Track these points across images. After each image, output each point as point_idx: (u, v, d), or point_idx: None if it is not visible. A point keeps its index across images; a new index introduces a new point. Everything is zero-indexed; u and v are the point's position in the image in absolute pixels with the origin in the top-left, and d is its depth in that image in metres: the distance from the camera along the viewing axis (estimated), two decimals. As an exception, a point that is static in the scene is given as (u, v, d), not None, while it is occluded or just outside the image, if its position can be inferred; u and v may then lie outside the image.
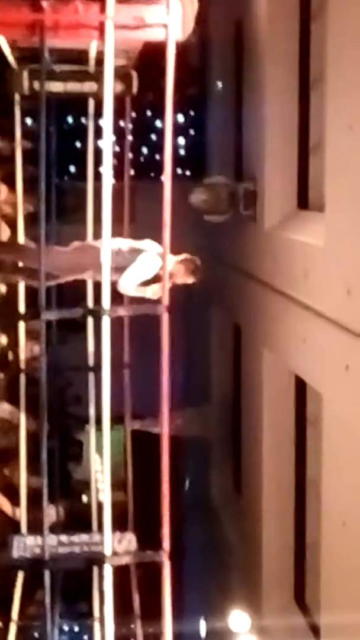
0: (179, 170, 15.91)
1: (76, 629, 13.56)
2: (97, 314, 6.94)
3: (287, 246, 10.90)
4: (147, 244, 7.56)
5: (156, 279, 7.37)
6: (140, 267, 7.42)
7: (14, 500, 10.01)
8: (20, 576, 9.27)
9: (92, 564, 8.64)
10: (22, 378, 9.54)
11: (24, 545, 8.89)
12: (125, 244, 7.61)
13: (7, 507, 10.06)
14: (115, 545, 7.69)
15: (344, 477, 9.08)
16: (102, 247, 6.79)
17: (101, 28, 6.56)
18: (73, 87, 9.37)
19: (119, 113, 7.77)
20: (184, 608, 12.75)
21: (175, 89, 6.71)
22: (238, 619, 11.72)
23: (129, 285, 7.44)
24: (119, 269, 7.26)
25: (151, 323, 7.18)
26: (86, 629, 11.85)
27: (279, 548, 12.23)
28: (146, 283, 7.49)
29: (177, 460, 7.38)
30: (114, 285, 7.08)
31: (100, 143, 8.75)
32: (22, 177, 9.72)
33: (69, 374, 12.26)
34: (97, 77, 8.92)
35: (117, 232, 7.40)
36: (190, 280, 7.73)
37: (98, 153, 8.27)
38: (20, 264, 8.39)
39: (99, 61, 8.11)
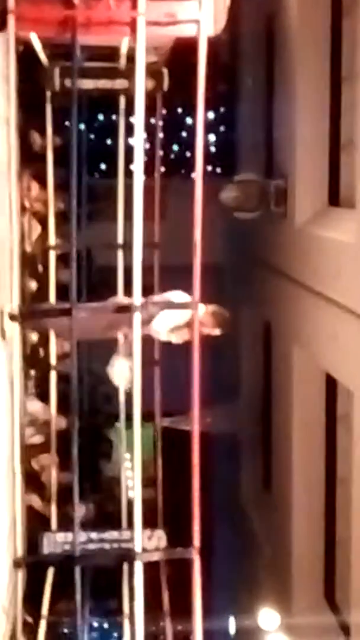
0: (210, 168, 15.88)
1: (106, 625, 13.57)
2: (128, 310, 6.94)
3: (318, 243, 10.86)
4: (177, 295, 7.62)
5: (185, 325, 7.45)
6: (172, 316, 7.51)
7: (44, 497, 10.05)
8: (51, 572, 9.31)
9: (122, 561, 8.66)
10: (53, 375, 9.56)
11: (54, 541, 8.93)
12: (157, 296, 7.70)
13: (37, 503, 10.09)
14: (145, 542, 7.70)
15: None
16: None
17: (133, 25, 6.56)
18: (104, 84, 9.38)
19: (149, 110, 7.77)
20: (214, 605, 12.74)
21: (206, 86, 6.69)
22: (267, 617, 11.68)
23: (162, 329, 7.57)
24: (150, 320, 7.40)
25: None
26: (116, 626, 11.86)
27: (309, 546, 12.19)
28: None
29: (206, 457, 7.36)
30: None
31: (131, 140, 8.75)
32: (53, 175, 9.74)
33: (99, 371, 12.28)
34: (128, 74, 8.93)
35: (147, 229, 7.40)
36: (217, 332, 7.82)
37: (129, 150, 8.26)
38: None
39: (130, 58, 8.12)
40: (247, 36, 15.35)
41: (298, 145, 11.69)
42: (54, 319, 7.83)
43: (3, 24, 6.62)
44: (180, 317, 7.49)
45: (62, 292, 8.99)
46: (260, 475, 15.43)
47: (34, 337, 10.39)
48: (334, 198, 11.42)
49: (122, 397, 9.80)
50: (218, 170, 16.56)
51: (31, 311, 7.70)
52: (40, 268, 10.60)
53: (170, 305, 7.50)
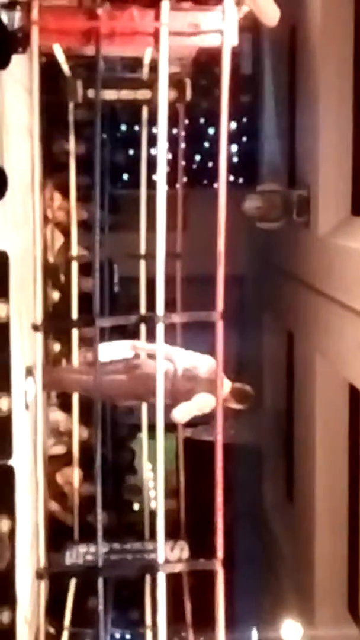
0: (232, 178, 15.87)
1: (128, 636, 13.54)
2: (151, 321, 6.94)
3: (341, 253, 10.83)
4: (203, 359, 7.70)
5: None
6: (195, 406, 7.59)
7: (67, 508, 10.05)
8: (73, 583, 9.30)
9: (145, 572, 8.64)
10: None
11: (77, 552, 8.93)
12: (183, 363, 7.73)
13: (59, 513, 10.10)
14: (167, 553, 7.68)
15: None
16: (158, 368, 6.83)
17: (156, 35, 6.55)
18: (127, 94, 9.40)
19: (172, 120, 7.77)
20: (236, 617, 12.70)
21: (230, 96, 6.68)
22: (290, 629, 11.63)
23: (181, 418, 7.73)
24: (173, 392, 7.47)
25: (204, 330, 7.17)
26: (138, 637, 11.83)
27: (332, 557, 12.14)
28: None
29: (229, 468, 7.34)
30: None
31: (153, 151, 8.76)
32: (76, 185, 9.76)
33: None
34: (151, 84, 8.95)
35: (170, 240, 7.40)
36: (241, 407, 7.89)
37: (151, 161, 8.27)
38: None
39: (153, 68, 8.12)
40: (270, 46, 15.36)
41: (321, 155, 11.68)
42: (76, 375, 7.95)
43: (27, 38, 6.64)
44: (203, 409, 7.59)
45: (85, 302, 9.00)
46: (283, 485, 15.39)
47: (56, 347, 10.40)
48: (357, 208, 11.40)
49: (144, 408, 9.80)
50: (241, 180, 16.55)
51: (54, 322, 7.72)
52: (62, 278, 10.62)
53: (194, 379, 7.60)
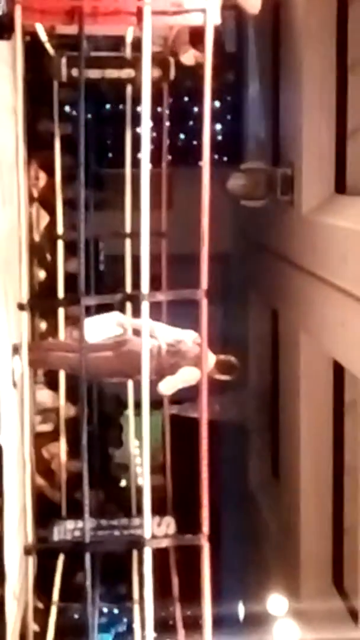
0: (216, 156, 15.88)
1: (116, 611, 13.66)
2: (136, 299, 6.98)
3: (325, 231, 10.88)
4: (187, 335, 7.81)
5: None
6: (180, 379, 7.72)
7: (54, 485, 10.12)
8: (61, 559, 9.38)
9: (132, 547, 8.72)
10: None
11: (65, 528, 9.00)
12: (166, 337, 7.82)
13: (47, 490, 10.16)
14: (154, 528, 7.75)
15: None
16: (143, 347, 6.89)
17: (139, 14, 6.57)
18: (111, 73, 9.41)
19: (156, 99, 7.79)
20: (223, 591, 12.82)
21: (213, 74, 6.71)
22: (276, 603, 11.74)
23: (167, 391, 7.86)
24: (158, 368, 7.60)
25: (189, 308, 7.22)
26: (126, 611, 11.94)
27: (317, 532, 12.25)
28: None
29: (215, 444, 7.42)
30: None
31: (137, 129, 8.78)
32: (61, 164, 9.77)
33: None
34: (135, 63, 8.96)
35: (155, 218, 7.43)
36: (227, 377, 8.00)
37: (136, 139, 8.29)
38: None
39: (136, 47, 8.14)
40: (253, 25, 15.33)
41: (304, 133, 11.70)
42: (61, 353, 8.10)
43: (11, 25, 6.65)
44: (188, 382, 7.69)
45: (71, 281, 9.03)
46: (269, 462, 15.49)
47: (42, 325, 10.44)
48: (341, 186, 11.44)
49: (130, 385, 9.85)
50: (225, 158, 16.57)
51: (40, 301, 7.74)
52: (48, 257, 10.65)
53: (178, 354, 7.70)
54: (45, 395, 10.68)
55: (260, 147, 14.98)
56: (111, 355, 7.88)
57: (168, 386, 7.77)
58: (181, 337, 7.83)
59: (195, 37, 7.12)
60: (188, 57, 9.17)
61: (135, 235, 8.32)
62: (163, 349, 7.76)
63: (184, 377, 7.68)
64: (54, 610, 9.28)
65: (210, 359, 7.60)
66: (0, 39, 6.87)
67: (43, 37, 8.54)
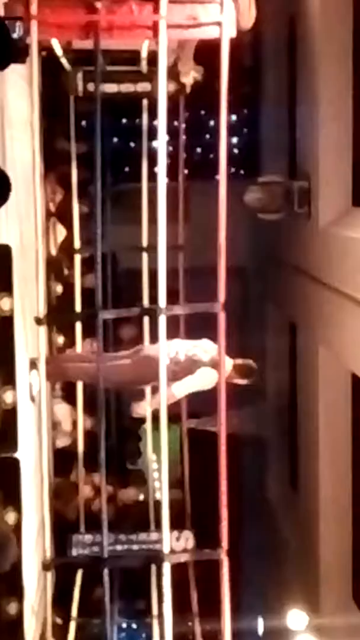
0: (233, 169, 15.87)
1: (134, 626, 13.61)
2: (153, 313, 6.98)
3: (342, 244, 10.85)
4: (204, 344, 7.80)
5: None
6: (196, 381, 7.65)
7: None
8: (79, 574, 9.36)
9: (151, 562, 8.69)
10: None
11: (83, 543, 8.98)
12: (183, 348, 7.82)
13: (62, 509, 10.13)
14: (173, 543, 7.73)
15: None
16: (160, 359, 6.87)
17: (155, 28, 6.58)
18: (127, 87, 9.43)
19: (172, 113, 7.80)
20: (242, 606, 12.76)
21: (229, 88, 6.71)
22: (295, 618, 11.68)
23: (180, 394, 7.73)
24: (175, 377, 7.55)
25: (207, 321, 7.21)
26: (144, 627, 11.89)
27: (337, 546, 12.18)
28: None
29: (233, 458, 7.39)
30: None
31: (154, 143, 8.79)
32: (77, 179, 9.79)
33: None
34: (151, 77, 8.98)
35: (172, 232, 7.43)
36: (245, 382, 7.93)
37: (152, 153, 8.29)
38: None
39: (152, 61, 8.15)
40: (269, 38, 15.36)
41: (321, 146, 11.69)
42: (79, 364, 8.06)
43: (27, 48, 6.68)
44: (204, 385, 7.64)
45: (88, 295, 9.04)
46: (287, 475, 15.43)
47: (60, 340, 10.45)
48: (358, 198, 11.41)
49: (148, 399, 9.84)
50: (241, 172, 16.56)
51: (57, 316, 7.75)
52: (65, 272, 10.67)
53: (196, 363, 7.67)
54: (62, 409, 10.68)
55: (277, 160, 14.98)
56: (128, 363, 7.88)
57: (181, 388, 7.67)
58: (199, 346, 7.81)
59: (210, 51, 7.12)
60: (189, 78, 9.21)
61: (152, 248, 8.33)
62: (180, 355, 7.73)
63: (201, 379, 7.62)
64: (72, 626, 9.26)
65: (228, 363, 7.56)
66: (16, 62, 6.89)
67: (59, 52, 8.57)
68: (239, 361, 7.87)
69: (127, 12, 6.59)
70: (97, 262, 6.90)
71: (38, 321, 7.05)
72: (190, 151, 15.81)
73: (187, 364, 7.69)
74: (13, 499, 6.78)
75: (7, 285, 6.75)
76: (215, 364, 7.29)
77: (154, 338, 7.89)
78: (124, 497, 11.52)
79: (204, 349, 7.79)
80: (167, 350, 7.11)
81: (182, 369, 7.66)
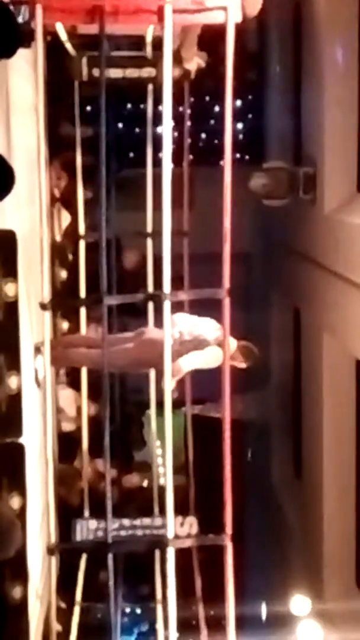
0: (238, 155, 15.85)
1: (138, 611, 13.66)
2: (158, 299, 6.97)
3: (347, 229, 10.84)
4: (207, 322, 7.78)
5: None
6: (202, 357, 7.64)
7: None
8: (84, 559, 9.38)
9: (155, 547, 8.71)
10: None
11: (87, 528, 8.99)
12: (187, 324, 7.78)
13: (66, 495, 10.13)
14: (177, 528, 7.73)
15: None
16: (165, 334, 6.85)
17: (160, 13, 6.56)
18: (131, 73, 9.39)
19: (177, 98, 7.77)
20: (245, 591, 12.79)
21: (234, 73, 6.69)
22: (299, 603, 11.72)
23: (186, 368, 7.68)
24: (179, 356, 7.50)
25: (211, 307, 7.21)
26: (148, 611, 11.93)
27: (340, 532, 12.21)
28: None
29: (237, 444, 7.40)
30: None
31: (159, 129, 8.76)
32: (82, 164, 9.77)
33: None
34: (155, 62, 8.95)
35: (177, 218, 7.42)
36: (245, 364, 7.93)
37: (157, 139, 8.27)
38: None
39: (157, 46, 8.12)
40: (274, 23, 15.31)
41: (327, 132, 11.67)
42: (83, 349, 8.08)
43: (33, 32, 6.64)
44: (210, 363, 7.61)
45: (92, 281, 9.03)
46: (291, 461, 15.45)
47: (64, 325, 10.44)
48: (363, 184, 11.41)
49: (152, 385, 9.85)
50: (247, 157, 16.53)
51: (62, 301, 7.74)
52: (70, 257, 10.66)
53: (201, 343, 7.65)
54: (67, 395, 10.68)
55: (282, 146, 14.95)
56: (131, 346, 7.88)
57: (188, 363, 7.65)
58: (203, 326, 7.81)
59: (215, 36, 7.09)
60: (192, 64, 9.16)
61: (157, 234, 8.32)
62: (184, 335, 7.72)
63: (206, 357, 7.61)
64: (77, 610, 9.29)
65: (232, 344, 7.56)
66: (22, 47, 6.87)
67: (64, 37, 8.54)
68: (243, 343, 7.89)
69: (133, -4, 6.58)
70: (101, 248, 6.90)
71: (43, 307, 7.05)
72: (195, 137, 15.79)
73: (192, 345, 7.69)
74: (18, 484, 6.79)
75: (12, 271, 6.73)
76: (220, 343, 7.31)
77: (158, 325, 7.90)
78: (128, 483, 11.54)
79: (207, 327, 7.78)
80: (170, 331, 7.11)
81: (187, 350, 7.66)
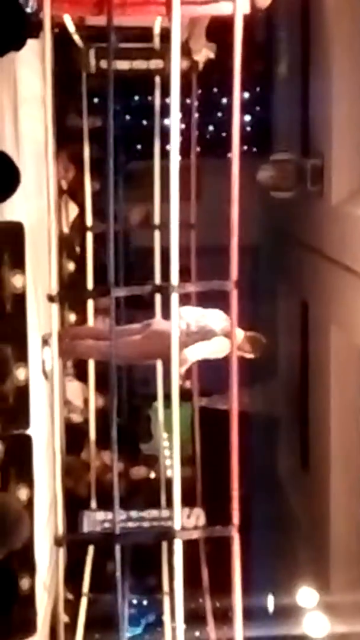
0: (246, 147, 15.82)
1: (145, 602, 13.68)
2: (165, 291, 6.97)
3: (355, 222, 10.83)
4: (214, 313, 7.83)
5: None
6: (209, 347, 7.71)
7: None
8: (91, 550, 9.40)
9: (162, 539, 8.73)
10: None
11: (94, 520, 9.02)
12: (193, 317, 7.78)
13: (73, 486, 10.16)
14: (184, 520, 7.75)
15: None
16: (172, 326, 6.84)
17: (168, 4, 6.54)
18: (139, 65, 9.39)
19: (185, 90, 7.76)
20: (252, 583, 12.81)
21: (242, 65, 6.67)
22: (306, 595, 11.73)
23: (193, 358, 7.76)
24: (187, 344, 7.58)
25: (219, 300, 7.21)
26: (155, 603, 11.96)
27: (347, 524, 12.21)
28: None
29: (244, 436, 7.40)
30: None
31: (166, 121, 8.75)
32: (89, 156, 9.77)
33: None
34: (163, 54, 8.94)
35: (184, 210, 7.41)
36: (253, 355, 7.98)
37: (165, 131, 8.27)
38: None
39: (164, 38, 8.11)
40: (282, 14, 15.27)
41: (334, 124, 11.65)
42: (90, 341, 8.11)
43: (41, 23, 6.63)
44: (217, 353, 7.64)
45: (100, 272, 9.04)
46: (298, 453, 15.46)
47: (72, 317, 10.46)
48: (371, 177, 11.39)
49: (159, 377, 9.86)
50: (254, 149, 16.50)
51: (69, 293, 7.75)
52: (77, 249, 10.67)
53: (208, 333, 7.69)
54: (75, 387, 10.70)
55: (290, 138, 14.92)
56: (139, 338, 7.90)
57: (194, 353, 7.71)
58: (210, 317, 7.84)
59: (223, 28, 7.07)
60: (201, 56, 9.16)
61: (164, 226, 8.31)
62: (191, 326, 7.75)
63: (213, 347, 7.66)
64: (84, 602, 9.32)
65: (239, 334, 7.59)
66: (30, 38, 6.86)
67: (71, 28, 8.54)
68: (250, 333, 7.93)
69: (140, -12, 6.57)
70: (109, 239, 6.90)
71: (50, 298, 7.05)
72: (203, 129, 15.77)
73: (199, 335, 7.71)
74: (25, 475, 6.80)
75: (20, 263, 6.73)
76: (227, 334, 7.34)
77: (165, 317, 7.91)
78: (135, 475, 11.56)
79: (214, 318, 7.81)
80: (178, 323, 7.13)
81: (194, 341, 7.68)
